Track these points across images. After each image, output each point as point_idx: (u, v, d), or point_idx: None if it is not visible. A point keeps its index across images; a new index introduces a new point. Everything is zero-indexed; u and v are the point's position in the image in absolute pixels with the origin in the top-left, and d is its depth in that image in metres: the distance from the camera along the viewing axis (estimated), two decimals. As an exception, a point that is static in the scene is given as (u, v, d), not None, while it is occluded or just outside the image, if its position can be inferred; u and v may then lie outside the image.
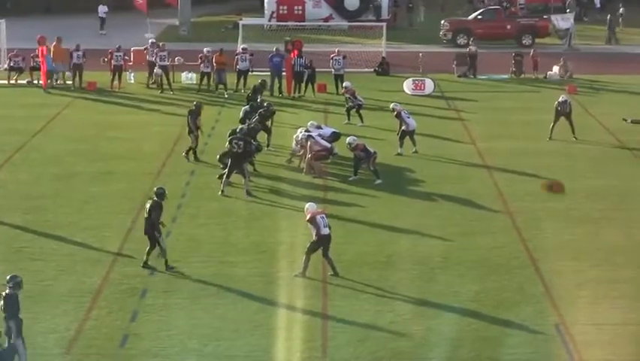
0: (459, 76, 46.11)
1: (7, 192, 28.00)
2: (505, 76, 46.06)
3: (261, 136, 31.27)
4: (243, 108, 33.49)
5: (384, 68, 46.69)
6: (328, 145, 30.00)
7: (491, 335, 19.17)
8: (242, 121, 31.89)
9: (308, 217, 21.84)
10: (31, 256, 22.96)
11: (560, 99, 34.30)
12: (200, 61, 41.76)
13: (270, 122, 32.48)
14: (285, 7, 59.04)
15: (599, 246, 23.90)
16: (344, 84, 37.73)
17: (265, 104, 33.21)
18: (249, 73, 41.88)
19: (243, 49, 42.79)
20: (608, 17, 57.40)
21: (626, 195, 28.00)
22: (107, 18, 58.27)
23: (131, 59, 44.27)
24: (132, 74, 43.55)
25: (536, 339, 19.06)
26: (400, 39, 55.34)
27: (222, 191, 27.53)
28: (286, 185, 28.64)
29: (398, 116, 32.08)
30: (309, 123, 31.35)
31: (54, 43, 42.51)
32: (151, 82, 42.63)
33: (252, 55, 42.60)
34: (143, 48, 44.38)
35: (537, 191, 28.19)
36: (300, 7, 59.09)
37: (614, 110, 38.15)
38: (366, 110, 36.65)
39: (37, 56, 42.48)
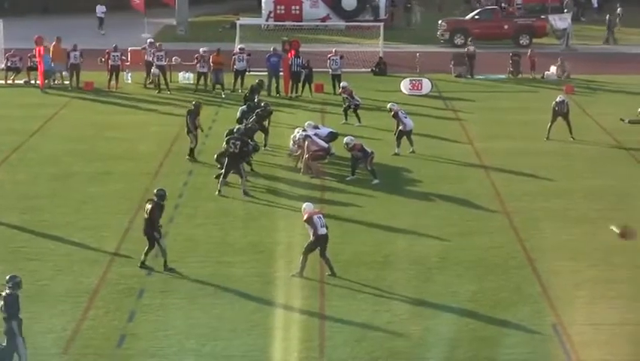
0: (456, 76, 46.11)
1: (5, 192, 27.96)
2: (503, 76, 46.04)
3: (259, 136, 31.29)
4: (241, 108, 33.48)
5: (381, 68, 46.67)
6: (325, 145, 29.97)
7: (489, 335, 19.16)
8: (239, 121, 31.92)
9: (305, 217, 21.83)
10: (28, 256, 22.93)
11: (558, 99, 34.30)
12: (196, 61, 41.79)
13: (267, 122, 32.48)
14: (283, 7, 59.07)
15: (596, 246, 23.89)
16: (341, 84, 37.72)
17: (262, 104, 33.16)
18: (247, 73, 41.91)
19: (240, 49, 42.81)
20: (607, 17, 57.38)
21: (624, 196, 27.99)
22: (105, 18, 58.26)
23: (129, 59, 44.20)
24: (129, 74, 43.50)
25: (534, 339, 19.05)
26: (398, 39, 55.36)
27: (219, 191, 27.52)
28: (283, 185, 28.63)
29: (395, 116, 32.08)
30: (306, 123, 31.30)
31: (53, 43, 42.46)
32: (148, 82, 42.59)
33: (249, 55, 42.57)
34: (140, 48, 44.39)
35: (534, 191, 28.20)
36: (297, 7, 59.10)
37: (612, 110, 38.11)
38: (364, 110, 36.64)
39: (35, 56, 42.44)
